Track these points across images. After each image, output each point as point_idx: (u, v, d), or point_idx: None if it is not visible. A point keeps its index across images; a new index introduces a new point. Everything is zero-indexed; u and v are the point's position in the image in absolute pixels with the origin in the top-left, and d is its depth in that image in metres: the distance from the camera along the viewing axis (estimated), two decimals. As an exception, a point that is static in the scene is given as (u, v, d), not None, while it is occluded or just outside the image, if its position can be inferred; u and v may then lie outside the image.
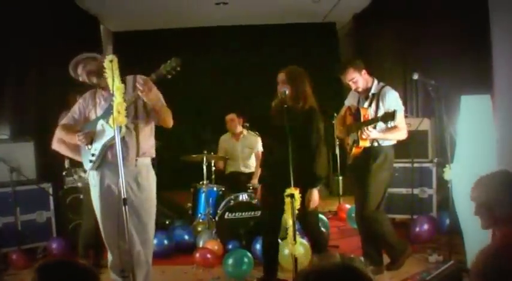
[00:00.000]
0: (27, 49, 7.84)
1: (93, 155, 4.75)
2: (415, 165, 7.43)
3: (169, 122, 4.90)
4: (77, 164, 6.17)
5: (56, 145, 5.69)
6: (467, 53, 6.98)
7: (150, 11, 9.92)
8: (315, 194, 5.27)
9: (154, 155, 5.05)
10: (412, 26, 8.42)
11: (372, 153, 5.75)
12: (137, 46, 11.15)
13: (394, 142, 5.88)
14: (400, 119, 5.56)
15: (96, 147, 4.72)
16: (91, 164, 4.78)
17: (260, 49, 11.41)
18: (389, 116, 5.24)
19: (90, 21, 9.92)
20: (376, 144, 5.75)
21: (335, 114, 9.35)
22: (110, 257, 4.95)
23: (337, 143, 9.44)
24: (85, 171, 6.02)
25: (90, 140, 4.73)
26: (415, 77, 5.72)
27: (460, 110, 5.60)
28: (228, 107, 9.01)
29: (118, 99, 4.03)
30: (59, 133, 4.98)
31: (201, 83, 11.13)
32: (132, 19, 10.69)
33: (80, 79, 4.85)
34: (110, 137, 4.54)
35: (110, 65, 4.07)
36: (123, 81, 4.29)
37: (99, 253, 6.49)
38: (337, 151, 9.58)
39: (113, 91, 4.06)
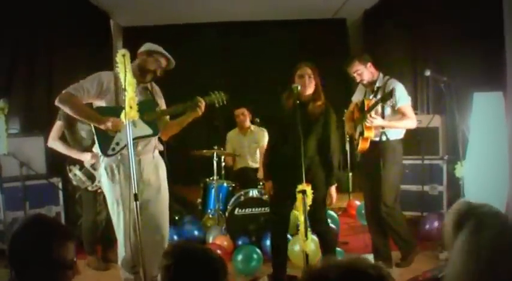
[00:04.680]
0: (37, 44, 7.85)
1: (117, 143, 4.73)
2: (426, 162, 7.39)
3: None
4: (73, 162, 6.16)
5: (51, 142, 5.70)
6: (479, 49, 6.94)
7: (160, 6, 9.90)
8: (334, 190, 5.34)
9: (162, 148, 5.20)
10: (423, 22, 8.38)
11: (379, 148, 5.77)
12: (147, 41, 11.11)
13: (402, 136, 5.89)
14: (407, 108, 5.69)
15: (123, 137, 4.66)
16: (112, 152, 4.75)
17: (270, 45, 11.34)
18: (388, 95, 5.34)
19: (100, 16, 9.92)
20: (384, 138, 5.75)
21: (345, 111, 9.38)
22: (121, 253, 4.92)
23: (347, 139, 9.42)
24: (80, 169, 6.05)
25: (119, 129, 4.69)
26: (427, 73, 5.72)
27: (472, 107, 5.58)
28: (238, 102, 8.98)
29: (130, 94, 4.03)
30: (65, 102, 4.68)
31: (210, 78, 11.09)
32: (142, 14, 10.67)
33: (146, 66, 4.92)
34: (145, 134, 4.70)
35: (123, 59, 4.06)
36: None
37: (106, 248, 6.51)
38: (347, 147, 9.55)
39: (125, 86, 4.04)
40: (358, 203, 8.51)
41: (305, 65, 5.30)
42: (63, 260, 2.58)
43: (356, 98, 6.22)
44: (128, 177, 4.66)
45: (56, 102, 4.65)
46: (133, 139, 4.58)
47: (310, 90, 5.22)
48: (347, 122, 6.28)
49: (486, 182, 5.43)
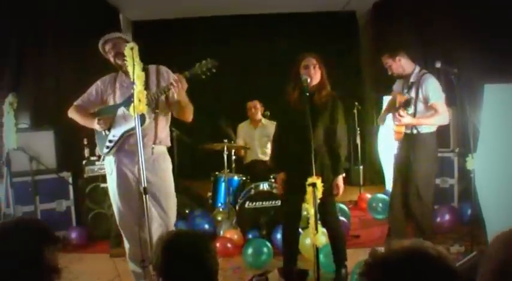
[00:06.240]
0: (45, 38, 7.84)
1: (110, 141, 4.81)
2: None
3: (190, 117, 4.96)
4: None
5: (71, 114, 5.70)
6: (490, 40, 6.87)
7: (169, 0, 9.88)
8: (341, 180, 5.29)
9: (169, 144, 5.11)
10: (433, 13, 8.31)
11: (410, 141, 5.86)
12: (156, 35, 11.08)
13: (434, 129, 5.93)
14: (439, 105, 5.77)
15: (115, 133, 4.76)
16: (107, 149, 4.82)
17: (279, 38, 11.28)
18: (407, 103, 5.60)
19: (109, 10, 9.89)
20: (415, 131, 5.80)
21: (355, 103, 9.33)
22: (127, 246, 4.97)
23: (358, 132, 9.38)
24: None
25: (109, 126, 4.75)
26: (438, 65, 5.67)
27: (483, 99, 5.53)
28: (247, 95, 8.96)
29: (139, 88, 4.01)
30: (71, 113, 5.00)
31: (220, 71, 11.03)
32: (151, 8, 10.63)
33: (107, 57, 4.95)
34: (132, 127, 4.52)
35: (131, 52, 4.04)
36: (145, 69, 4.30)
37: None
38: (358, 140, 9.51)
39: (134, 79, 4.03)
40: (369, 196, 8.46)
41: (309, 55, 5.27)
42: (54, 266, 2.58)
43: (396, 87, 6.31)
44: (121, 169, 4.81)
45: (69, 114, 5.01)
46: (123, 134, 4.68)
47: (316, 80, 5.18)
48: (386, 108, 6.37)
49: (497, 175, 5.37)
